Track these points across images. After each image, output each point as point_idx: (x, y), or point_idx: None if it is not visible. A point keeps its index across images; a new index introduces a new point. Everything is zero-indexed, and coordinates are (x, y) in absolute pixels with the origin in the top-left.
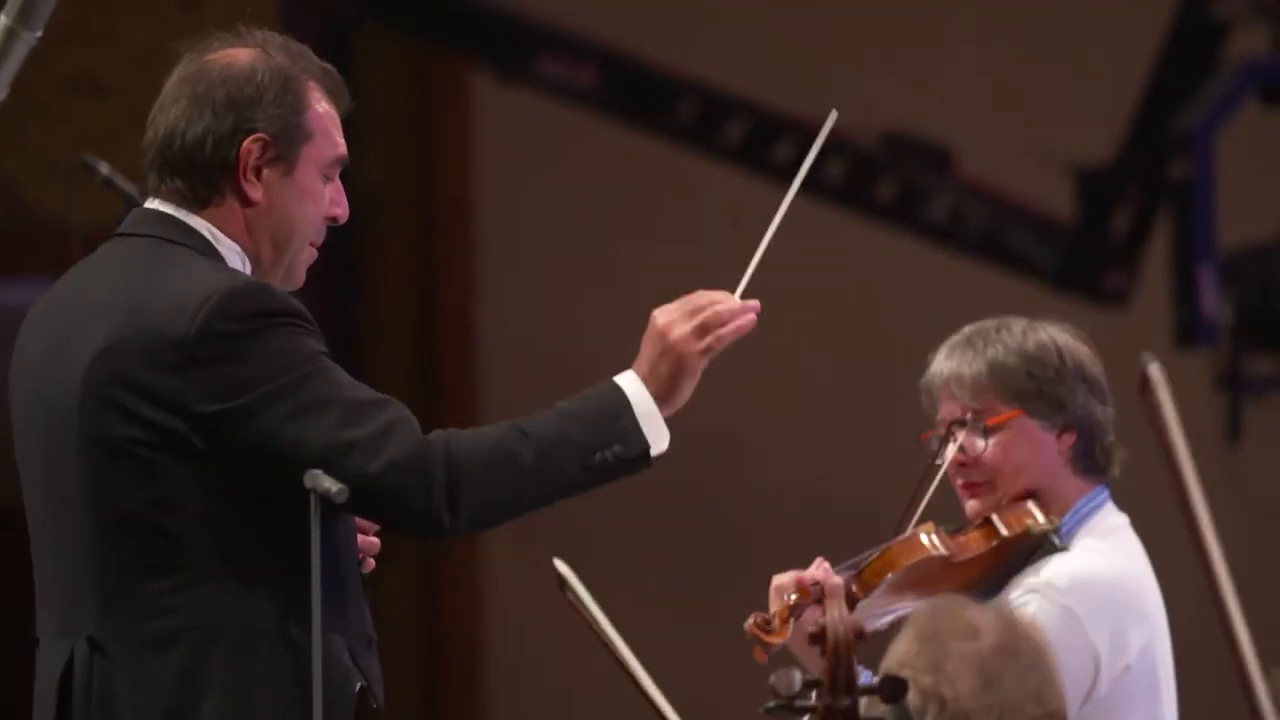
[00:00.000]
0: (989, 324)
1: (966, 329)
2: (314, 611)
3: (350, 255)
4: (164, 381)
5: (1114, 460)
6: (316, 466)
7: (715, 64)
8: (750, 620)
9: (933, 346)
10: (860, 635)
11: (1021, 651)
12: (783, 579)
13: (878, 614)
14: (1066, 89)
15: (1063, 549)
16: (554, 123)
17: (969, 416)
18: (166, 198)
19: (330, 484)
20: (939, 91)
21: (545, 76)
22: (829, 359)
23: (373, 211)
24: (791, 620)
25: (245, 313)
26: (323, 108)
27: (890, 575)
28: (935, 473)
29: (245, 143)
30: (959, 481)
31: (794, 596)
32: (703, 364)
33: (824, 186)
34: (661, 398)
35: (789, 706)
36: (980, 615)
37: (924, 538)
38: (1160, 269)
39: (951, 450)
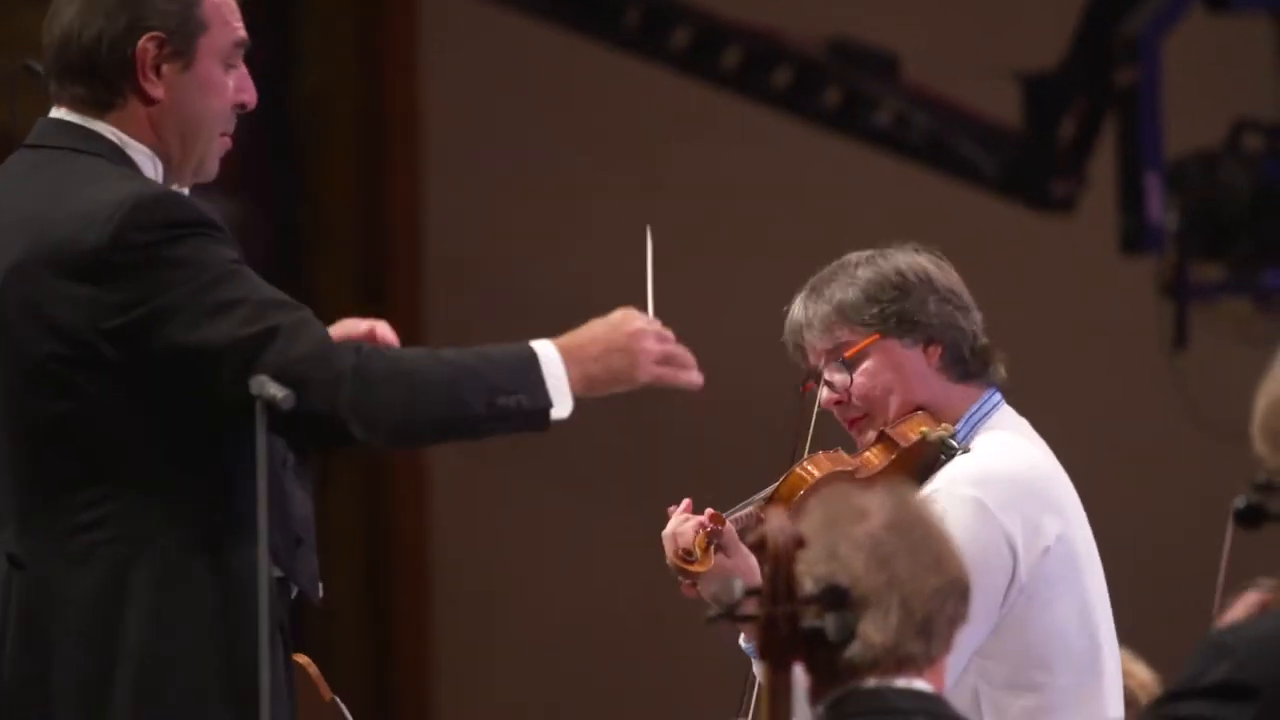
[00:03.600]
0: (828, 267)
1: (811, 278)
2: (260, 515)
3: (295, 166)
4: (76, 292)
5: (992, 361)
6: (224, 364)
7: None
8: (670, 555)
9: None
10: (800, 543)
11: (914, 525)
12: (677, 528)
13: None
14: None
15: (964, 451)
16: (501, 32)
17: (829, 356)
18: (69, 105)
19: (276, 390)
20: None
21: None
22: (773, 265)
23: (318, 121)
24: (711, 549)
25: (156, 223)
26: None
27: (799, 494)
28: (809, 418)
29: (141, 41)
30: (842, 420)
31: (707, 526)
32: (637, 385)
33: (770, 93)
34: (583, 383)
35: (730, 615)
36: (869, 498)
37: (824, 454)
38: (1107, 176)
39: (823, 393)
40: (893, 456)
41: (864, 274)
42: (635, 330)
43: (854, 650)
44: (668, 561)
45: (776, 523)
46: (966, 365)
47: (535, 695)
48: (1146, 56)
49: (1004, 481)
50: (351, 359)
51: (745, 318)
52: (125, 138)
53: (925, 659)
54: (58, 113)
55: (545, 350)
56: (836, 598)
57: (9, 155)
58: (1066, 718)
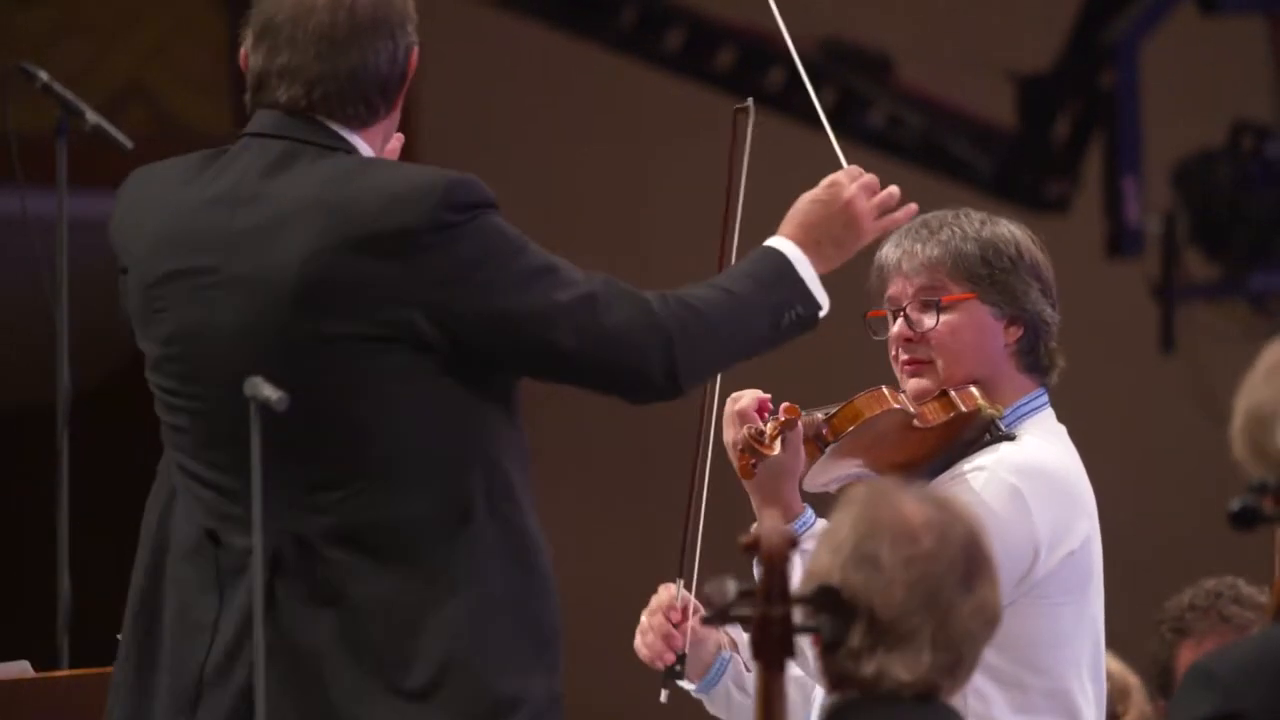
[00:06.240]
0: (947, 211)
1: (925, 215)
2: (255, 513)
3: None
4: (387, 270)
5: (1055, 364)
6: (544, 324)
7: None
8: (744, 431)
9: (871, 255)
10: (794, 544)
11: (951, 540)
12: (744, 406)
13: (832, 472)
14: None
15: (1010, 437)
16: (496, 32)
17: (920, 293)
18: (340, 121)
19: (270, 392)
20: None
21: None
22: None
23: None
24: (780, 439)
25: (466, 203)
26: None
27: (854, 426)
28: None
29: (413, 54)
30: (903, 357)
31: (783, 416)
32: (868, 240)
33: (762, 93)
34: (823, 266)
35: (724, 616)
36: (916, 511)
37: (887, 391)
38: (1100, 177)
39: (898, 326)
40: (949, 417)
41: (985, 233)
42: (849, 199)
43: (878, 679)
44: (733, 439)
45: (770, 523)
46: (1037, 358)
47: None
48: (1125, 61)
49: (1048, 478)
50: (672, 320)
51: None
52: (365, 148)
53: (948, 691)
54: (326, 120)
55: (790, 250)
56: (829, 599)
57: (4, 153)
58: None
